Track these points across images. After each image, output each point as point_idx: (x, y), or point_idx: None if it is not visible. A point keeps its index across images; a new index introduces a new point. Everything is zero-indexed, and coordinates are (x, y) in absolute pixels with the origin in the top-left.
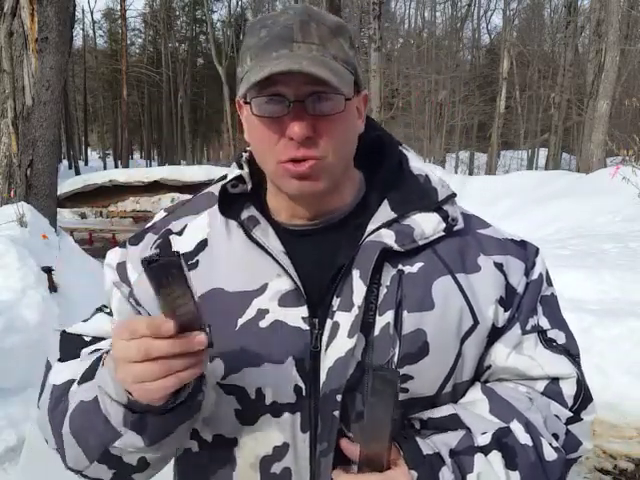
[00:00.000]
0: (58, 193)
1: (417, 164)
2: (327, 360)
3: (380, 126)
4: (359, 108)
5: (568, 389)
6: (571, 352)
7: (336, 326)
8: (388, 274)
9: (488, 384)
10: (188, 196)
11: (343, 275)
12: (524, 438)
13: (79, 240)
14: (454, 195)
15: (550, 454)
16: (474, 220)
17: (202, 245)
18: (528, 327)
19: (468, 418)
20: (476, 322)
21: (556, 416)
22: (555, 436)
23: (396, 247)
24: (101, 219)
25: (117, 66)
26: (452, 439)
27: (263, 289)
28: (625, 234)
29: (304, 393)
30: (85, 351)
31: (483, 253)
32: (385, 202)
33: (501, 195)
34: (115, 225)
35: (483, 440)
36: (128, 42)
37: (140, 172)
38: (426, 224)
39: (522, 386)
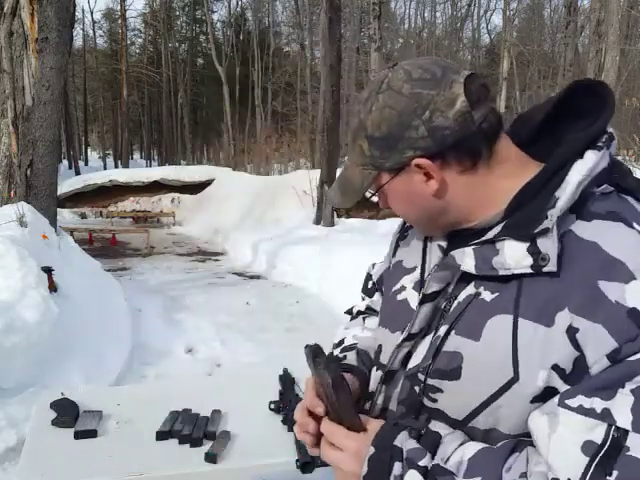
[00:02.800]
0: (58, 193)
1: (574, 178)
2: (397, 345)
3: (592, 119)
4: (426, 173)
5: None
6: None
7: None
8: (467, 291)
9: (527, 443)
10: (188, 196)
11: (429, 280)
12: None
13: (79, 240)
14: (549, 229)
15: None
16: (603, 263)
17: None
18: (573, 404)
19: (442, 446)
20: (516, 378)
21: None
22: None
23: (468, 269)
24: (101, 219)
25: (117, 66)
26: (413, 448)
27: (412, 270)
28: None
29: (395, 366)
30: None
31: (569, 309)
32: (502, 223)
33: None
34: (115, 225)
35: (425, 462)
36: (128, 42)
37: (140, 172)
38: (512, 254)
39: (543, 461)
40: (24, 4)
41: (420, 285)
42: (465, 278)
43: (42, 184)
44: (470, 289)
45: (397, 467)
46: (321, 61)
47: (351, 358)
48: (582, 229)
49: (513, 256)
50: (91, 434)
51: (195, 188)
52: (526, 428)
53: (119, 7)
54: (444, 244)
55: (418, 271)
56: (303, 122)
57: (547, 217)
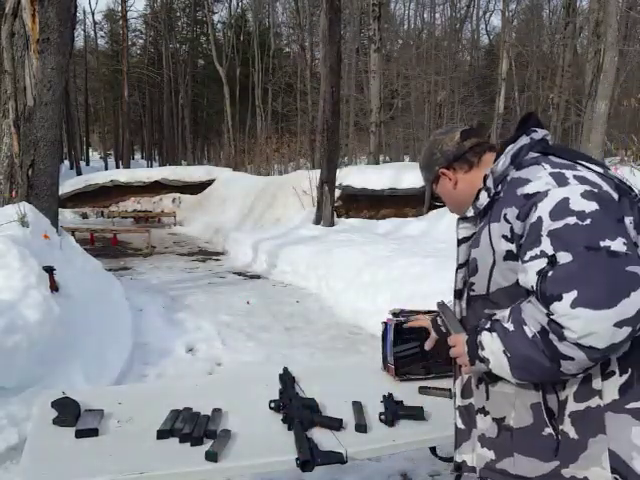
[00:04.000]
0: (59, 193)
1: (504, 155)
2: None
3: (521, 125)
4: (448, 177)
5: (533, 283)
6: (551, 258)
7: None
8: (477, 228)
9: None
10: (189, 196)
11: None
12: (509, 326)
13: (80, 240)
14: (488, 175)
15: (530, 334)
16: (522, 182)
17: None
18: (526, 258)
19: (495, 316)
20: (494, 251)
21: (542, 312)
22: (542, 328)
23: (470, 214)
24: (102, 219)
25: (118, 67)
26: (483, 322)
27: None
28: None
29: (459, 286)
30: None
31: (505, 207)
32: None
33: None
34: (116, 225)
35: (486, 325)
36: (129, 43)
37: (141, 172)
38: (481, 197)
39: (530, 296)
40: (25, 5)
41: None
42: (477, 224)
43: (43, 184)
44: (478, 225)
45: (478, 337)
46: (321, 62)
47: None
48: (516, 173)
49: (482, 197)
50: (92, 433)
51: (196, 188)
52: (512, 280)
53: (120, 8)
54: None
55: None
56: (303, 122)
57: (487, 171)
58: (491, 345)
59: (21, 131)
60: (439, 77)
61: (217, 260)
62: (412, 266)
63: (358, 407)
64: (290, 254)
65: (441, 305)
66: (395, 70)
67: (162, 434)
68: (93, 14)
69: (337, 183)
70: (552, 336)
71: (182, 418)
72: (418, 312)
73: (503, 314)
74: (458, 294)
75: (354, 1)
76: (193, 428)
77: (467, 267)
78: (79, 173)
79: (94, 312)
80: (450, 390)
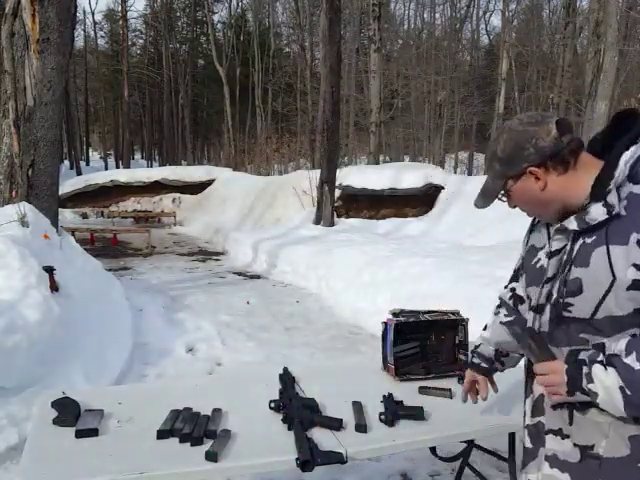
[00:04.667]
0: (59, 193)
1: (622, 163)
2: (542, 288)
3: (630, 127)
4: (536, 177)
5: None
6: None
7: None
8: (578, 243)
9: None
10: (189, 196)
11: (551, 243)
12: (634, 364)
13: (80, 240)
14: (611, 190)
15: None
16: None
17: (539, 220)
18: None
19: (607, 347)
20: (614, 278)
21: None
22: None
23: (574, 228)
24: (102, 219)
25: (118, 67)
26: (591, 353)
27: (543, 247)
28: None
29: (542, 301)
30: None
31: (636, 231)
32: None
33: None
34: (116, 225)
35: (601, 357)
36: (129, 43)
37: (141, 172)
38: (595, 212)
39: None
40: (25, 5)
41: (550, 254)
42: (576, 238)
43: (43, 184)
44: (580, 241)
45: (585, 368)
46: (321, 62)
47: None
48: (636, 189)
49: (596, 212)
50: (92, 433)
51: (196, 188)
52: (628, 309)
53: (120, 8)
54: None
55: (547, 246)
56: (303, 122)
57: (610, 184)
58: (605, 380)
59: (21, 131)
60: (439, 77)
61: (217, 260)
62: (412, 266)
63: (358, 407)
64: (290, 254)
65: (531, 330)
66: (395, 70)
67: (162, 434)
68: (93, 14)
69: (337, 183)
70: None
71: (182, 418)
72: (418, 312)
73: (619, 347)
74: (539, 309)
75: (354, 1)
76: (193, 428)
77: (557, 283)
78: (79, 173)
79: (94, 312)
80: (450, 390)
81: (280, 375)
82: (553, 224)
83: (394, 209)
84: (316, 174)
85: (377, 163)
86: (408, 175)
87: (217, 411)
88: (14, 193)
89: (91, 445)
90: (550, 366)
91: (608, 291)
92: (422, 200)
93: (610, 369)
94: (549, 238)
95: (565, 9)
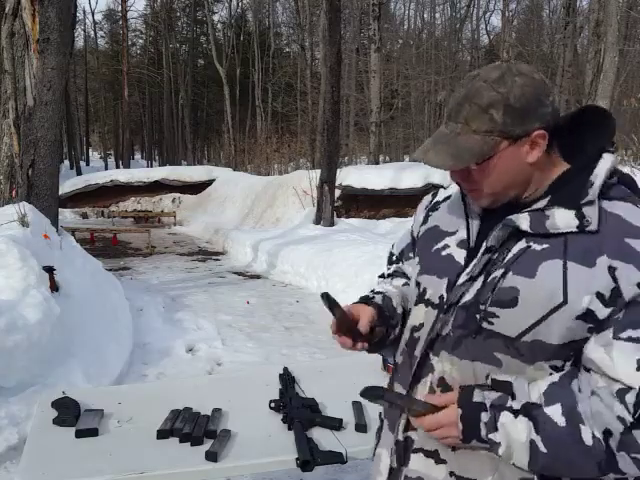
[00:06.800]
0: (59, 193)
1: (599, 171)
2: (457, 285)
3: (603, 130)
4: (532, 143)
5: (631, 398)
6: None
7: (470, 266)
8: (519, 246)
9: (580, 372)
10: (189, 196)
11: (489, 237)
12: (558, 419)
13: (80, 240)
14: (594, 201)
15: (587, 440)
16: (632, 228)
17: (447, 199)
18: (624, 335)
19: (517, 388)
20: (565, 301)
21: (619, 417)
22: (607, 432)
23: (525, 228)
24: (102, 219)
25: (118, 67)
26: (495, 396)
27: (454, 233)
28: None
29: (444, 301)
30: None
31: (608, 255)
32: (548, 197)
33: None
34: (116, 225)
35: (515, 405)
36: (129, 43)
37: (141, 172)
38: (561, 218)
39: (602, 381)
40: (25, 5)
41: (467, 244)
42: (514, 237)
43: (43, 184)
44: (521, 244)
45: (484, 416)
46: (321, 62)
47: (378, 298)
48: (607, 206)
49: (563, 220)
50: (92, 433)
51: (196, 188)
52: (563, 339)
53: (120, 8)
54: (480, 214)
55: (463, 234)
56: (303, 122)
57: (588, 194)
58: (513, 432)
59: (21, 131)
60: (439, 77)
61: (217, 260)
62: None
63: (358, 407)
64: (290, 254)
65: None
66: (395, 70)
67: (162, 434)
68: (93, 14)
69: (337, 183)
70: (620, 448)
71: (182, 418)
72: None
73: (536, 392)
74: (444, 308)
75: (354, 1)
76: (193, 428)
77: (482, 286)
78: (79, 173)
79: (94, 312)
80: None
81: (280, 375)
82: (473, 211)
83: (394, 209)
84: (316, 174)
85: (377, 163)
86: (408, 175)
87: (217, 411)
88: (14, 193)
89: (91, 445)
90: (439, 419)
91: (550, 313)
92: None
93: (521, 418)
94: (468, 224)
95: (565, 9)
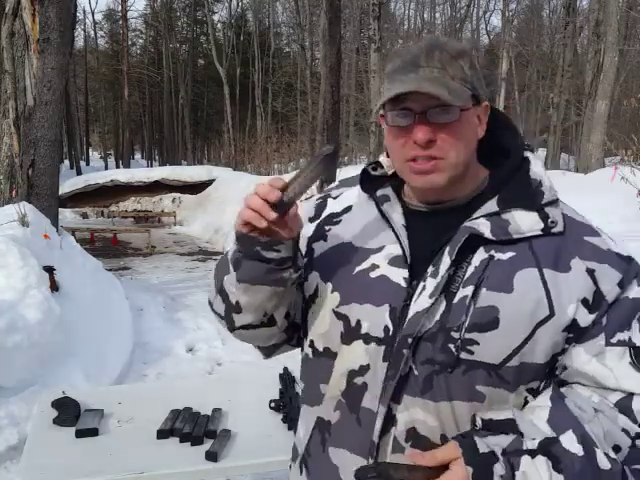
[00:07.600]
0: (59, 193)
1: (536, 169)
2: (410, 312)
3: (516, 130)
4: (480, 116)
5: (637, 405)
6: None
7: (423, 288)
8: (479, 257)
9: (562, 389)
10: (189, 196)
11: (440, 250)
12: (575, 448)
13: (80, 240)
14: (557, 200)
15: (604, 464)
16: (584, 227)
17: (347, 209)
18: (614, 340)
19: (522, 424)
20: (552, 313)
21: (624, 430)
22: (616, 448)
23: (488, 235)
24: (102, 219)
25: (118, 66)
26: (504, 441)
27: (380, 249)
28: (623, 234)
29: (390, 333)
30: None
31: (579, 257)
32: (495, 198)
33: None
34: (116, 225)
35: (531, 445)
36: (129, 43)
37: (141, 172)
38: (523, 221)
39: (596, 395)
40: (25, 5)
41: (405, 261)
42: (468, 248)
43: (44, 184)
44: (481, 254)
45: (498, 468)
46: (321, 62)
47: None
48: (566, 209)
49: (526, 222)
50: (92, 433)
51: (196, 188)
52: (548, 355)
53: (120, 8)
54: (405, 225)
55: (393, 249)
56: (303, 122)
57: (545, 194)
58: (534, 478)
59: (21, 131)
60: None
61: (217, 260)
62: None
63: None
64: None
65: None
66: None
67: (162, 434)
68: (93, 14)
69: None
70: (625, 462)
71: (182, 418)
72: None
73: (542, 421)
74: (397, 341)
75: (354, 1)
76: (193, 428)
77: (448, 308)
78: (79, 173)
79: (94, 312)
80: None
81: (280, 375)
82: (396, 222)
83: None
84: None
85: None
86: None
87: (217, 411)
88: (14, 193)
89: (91, 445)
90: (451, 476)
91: (536, 329)
92: None
93: (540, 458)
94: (398, 237)
95: (565, 9)
